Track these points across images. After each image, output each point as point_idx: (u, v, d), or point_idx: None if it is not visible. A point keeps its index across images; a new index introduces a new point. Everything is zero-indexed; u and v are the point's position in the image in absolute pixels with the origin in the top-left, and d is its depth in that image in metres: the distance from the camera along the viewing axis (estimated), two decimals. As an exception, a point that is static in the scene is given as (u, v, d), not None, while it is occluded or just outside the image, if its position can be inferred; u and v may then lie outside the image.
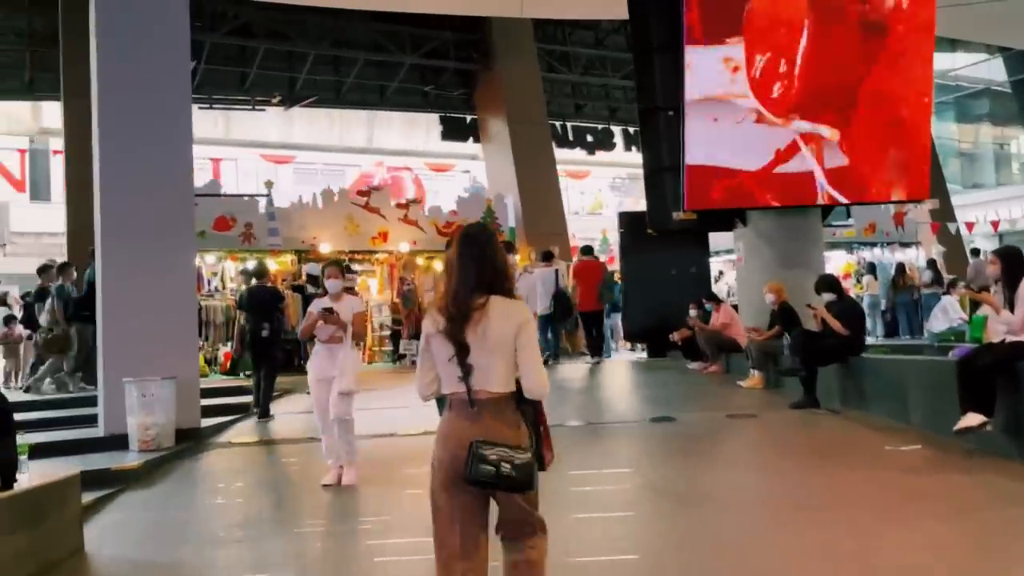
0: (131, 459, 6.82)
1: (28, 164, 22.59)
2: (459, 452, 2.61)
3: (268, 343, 9.20)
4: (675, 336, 11.31)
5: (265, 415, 8.84)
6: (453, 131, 20.41)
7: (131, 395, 7.14)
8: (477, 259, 2.72)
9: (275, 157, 26.84)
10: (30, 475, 4.66)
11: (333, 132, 29.49)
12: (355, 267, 15.38)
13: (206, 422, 8.28)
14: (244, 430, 8.38)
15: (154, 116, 7.69)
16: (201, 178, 14.40)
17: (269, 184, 14.76)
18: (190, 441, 7.54)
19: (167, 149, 7.75)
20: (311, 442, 7.17)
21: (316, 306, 6.01)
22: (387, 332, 15.96)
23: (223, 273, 14.51)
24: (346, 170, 28.85)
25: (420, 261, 15.67)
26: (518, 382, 2.71)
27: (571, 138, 20.81)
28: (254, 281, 10.04)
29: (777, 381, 9.59)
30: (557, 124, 20.28)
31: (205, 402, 8.91)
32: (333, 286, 6.05)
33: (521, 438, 2.68)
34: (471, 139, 20.26)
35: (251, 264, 12.49)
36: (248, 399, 9.60)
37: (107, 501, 5.71)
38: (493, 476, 2.56)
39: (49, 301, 10.57)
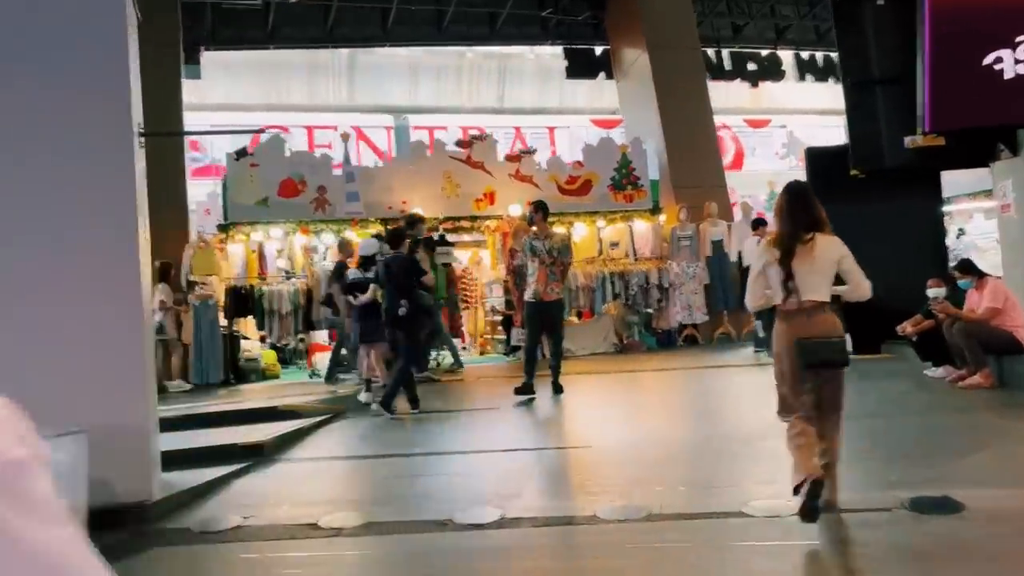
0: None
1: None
2: (798, 343, 3.81)
3: (406, 322, 7.57)
4: (907, 328, 7.45)
5: (387, 407, 7.29)
6: (580, 67, 16.84)
7: (8, 464, 4.30)
8: (803, 207, 3.91)
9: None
10: None
11: (461, 91, 27.16)
12: (454, 238, 12.31)
13: (188, 477, 5.46)
14: (241, 493, 5.42)
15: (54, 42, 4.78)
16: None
17: (345, 137, 11.86)
18: (125, 528, 4.65)
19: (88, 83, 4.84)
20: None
21: None
22: (499, 318, 12.81)
23: (291, 250, 11.79)
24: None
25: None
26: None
27: (728, 67, 16.78)
28: (387, 249, 8.18)
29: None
30: (710, 51, 16.27)
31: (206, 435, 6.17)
32: None
33: (839, 329, 3.90)
34: (602, 74, 16.62)
35: (357, 240, 10.12)
36: (275, 428, 6.70)
37: None
38: (826, 357, 3.82)
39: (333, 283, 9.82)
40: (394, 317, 7.56)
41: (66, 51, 4.75)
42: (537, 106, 27.73)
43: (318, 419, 7.21)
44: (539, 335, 7.92)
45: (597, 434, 6.16)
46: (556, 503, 4.71)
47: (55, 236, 4.65)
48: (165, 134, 5.44)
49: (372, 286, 8.15)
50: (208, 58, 25.62)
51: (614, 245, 12.84)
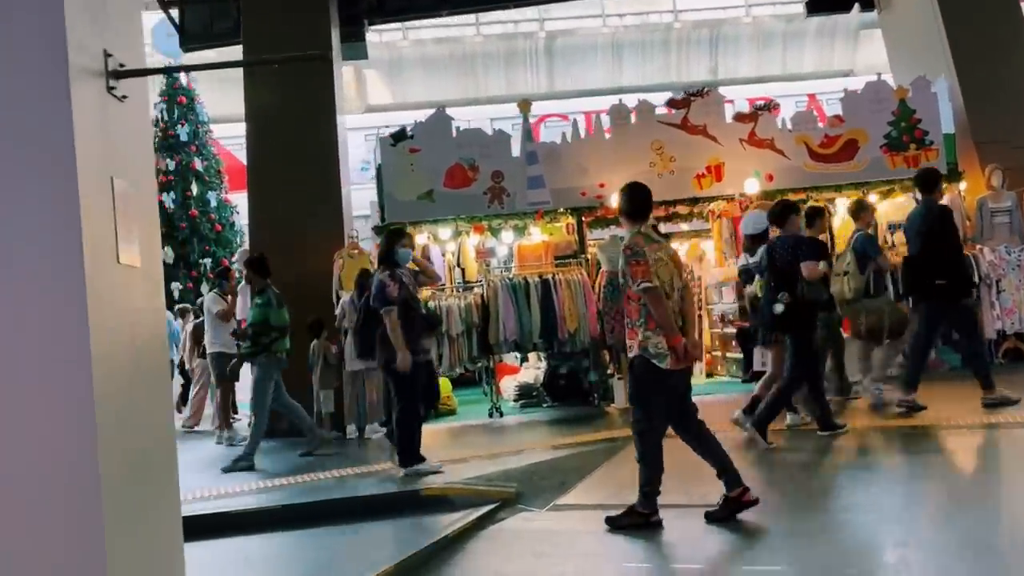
0: None
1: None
2: None
3: (786, 322, 5.98)
4: None
5: (829, 427, 5.99)
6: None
7: None
8: None
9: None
10: None
11: (669, 67, 24.82)
12: (669, 228, 9.45)
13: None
14: None
15: None
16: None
17: (525, 107, 9.32)
18: None
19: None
20: None
21: None
22: (731, 330, 9.77)
23: (460, 254, 9.48)
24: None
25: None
26: None
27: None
28: (773, 230, 6.50)
29: None
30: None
31: None
32: None
33: None
34: (856, 6, 12.91)
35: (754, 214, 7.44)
36: (406, 538, 4.26)
37: None
38: None
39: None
40: (771, 314, 6.05)
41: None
42: (756, 75, 24.54)
43: (477, 515, 4.68)
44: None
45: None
46: None
47: None
48: (140, 73, 3.13)
49: (756, 277, 6.61)
50: (406, 54, 24.68)
51: (895, 227, 9.33)
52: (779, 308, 5.92)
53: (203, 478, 6.46)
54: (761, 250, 6.51)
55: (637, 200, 4.46)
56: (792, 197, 9.10)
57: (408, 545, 4.18)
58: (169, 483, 3.12)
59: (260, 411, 7.00)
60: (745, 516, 4.24)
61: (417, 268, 6.35)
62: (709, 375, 10.65)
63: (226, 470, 6.59)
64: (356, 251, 8.88)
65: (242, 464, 6.66)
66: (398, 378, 5.81)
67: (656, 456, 4.26)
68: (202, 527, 4.69)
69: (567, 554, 4.12)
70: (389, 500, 5.02)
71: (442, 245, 9.43)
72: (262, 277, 7.19)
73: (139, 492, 2.80)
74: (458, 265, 9.61)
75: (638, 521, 4.24)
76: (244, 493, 5.61)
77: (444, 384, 9.41)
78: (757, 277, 6.56)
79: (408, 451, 5.73)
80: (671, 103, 9.37)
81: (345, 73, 23.01)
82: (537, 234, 9.32)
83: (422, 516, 4.74)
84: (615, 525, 4.29)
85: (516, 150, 9.19)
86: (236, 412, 9.90)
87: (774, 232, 6.47)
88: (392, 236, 6.11)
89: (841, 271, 6.95)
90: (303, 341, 8.19)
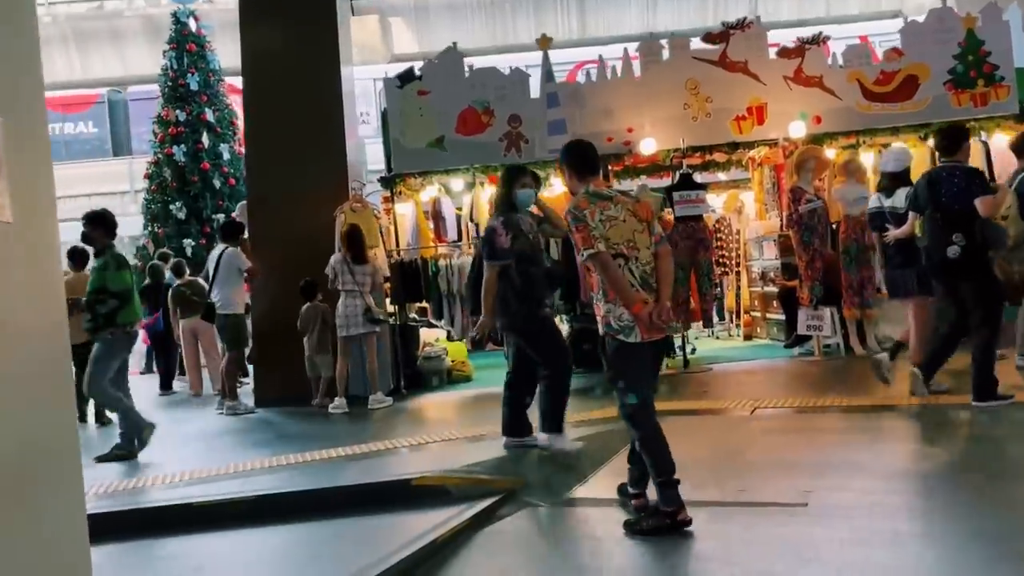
0: None
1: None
2: None
3: (965, 270, 5.21)
4: None
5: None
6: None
7: None
8: None
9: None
10: None
11: (706, 9, 23.67)
12: (705, 177, 8.61)
13: None
14: None
15: None
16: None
17: (545, 43, 8.43)
18: None
19: None
20: None
21: None
22: (774, 289, 8.94)
23: (475, 208, 8.72)
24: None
25: (831, 153, 8.24)
26: None
27: None
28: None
29: None
30: None
31: None
32: None
33: None
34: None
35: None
36: (390, 540, 3.60)
37: None
38: None
39: None
40: (942, 261, 5.24)
41: None
42: (798, 18, 23.31)
43: (474, 512, 4.02)
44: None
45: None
46: None
47: None
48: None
49: (911, 214, 5.72)
50: (432, 0, 23.70)
51: (958, 174, 8.38)
52: (954, 251, 5.12)
53: (179, 457, 5.91)
54: (905, 190, 5.75)
55: (578, 155, 3.81)
56: (843, 142, 8.27)
57: (390, 551, 3.53)
58: (65, 503, 2.46)
59: (103, 394, 5.98)
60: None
61: (541, 213, 5.22)
62: (748, 337, 9.87)
63: (100, 459, 5.75)
64: (359, 205, 8.17)
65: (117, 452, 5.81)
66: (532, 340, 4.89)
67: (656, 437, 3.57)
68: (158, 522, 4.13)
69: (575, 565, 3.44)
70: (376, 491, 4.37)
71: (455, 197, 8.69)
72: (106, 235, 5.99)
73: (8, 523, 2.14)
74: (471, 220, 8.85)
75: (663, 523, 3.54)
76: (215, 478, 5.00)
77: (459, 348, 8.78)
78: (911, 215, 5.66)
79: (553, 418, 4.93)
80: (708, 37, 8.42)
81: (370, 22, 22.16)
82: (558, 185, 8.52)
83: (412, 512, 4.09)
84: (635, 530, 3.60)
85: (535, 91, 8.35)
86: (246, 375, 9.42)
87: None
88: (510, 175, 5.09)
89: (999, 215, 6.08)
90: (295, 304, 7.57)
